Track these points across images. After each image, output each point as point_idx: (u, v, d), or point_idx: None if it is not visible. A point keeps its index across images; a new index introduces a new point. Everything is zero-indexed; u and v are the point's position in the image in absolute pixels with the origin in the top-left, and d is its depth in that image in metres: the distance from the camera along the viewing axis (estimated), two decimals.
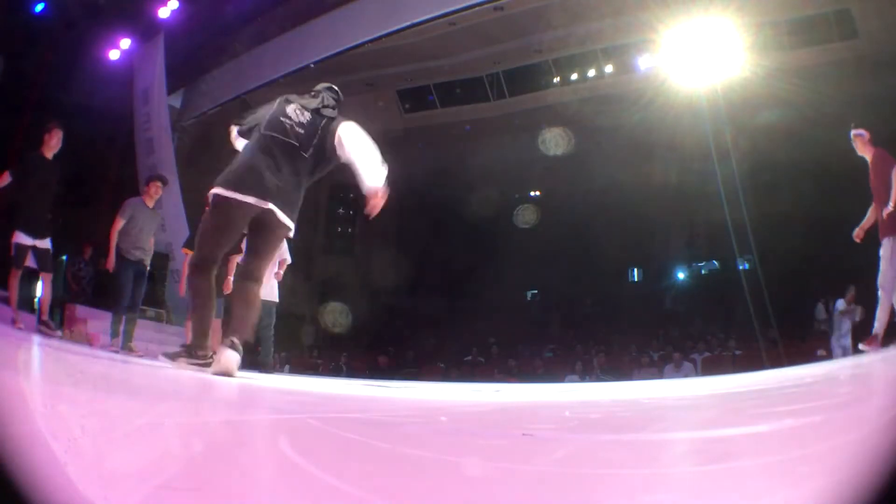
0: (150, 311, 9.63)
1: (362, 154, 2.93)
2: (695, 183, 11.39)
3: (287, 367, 10.69)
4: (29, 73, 10.44)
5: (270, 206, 2.86)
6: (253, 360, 5.90)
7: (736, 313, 10.04)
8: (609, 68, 11.95)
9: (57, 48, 10.71)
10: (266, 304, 5.32)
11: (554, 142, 13.00)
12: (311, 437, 1.26)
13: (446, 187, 13.84)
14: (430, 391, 3.70)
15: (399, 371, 11.75)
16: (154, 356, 5.28)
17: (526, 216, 15.68)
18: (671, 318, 13.17)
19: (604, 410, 2.29)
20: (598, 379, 9.47)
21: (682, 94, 9.71)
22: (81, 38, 10.97)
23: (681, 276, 15.11)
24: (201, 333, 2.99)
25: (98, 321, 7.23)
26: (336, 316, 13.55)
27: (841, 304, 7.76)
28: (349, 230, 17.22)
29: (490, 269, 15.02)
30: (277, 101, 3.11)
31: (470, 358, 12.06)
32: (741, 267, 11.04)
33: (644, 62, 11.44)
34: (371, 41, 10.07)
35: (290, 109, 3.03)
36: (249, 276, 3.00)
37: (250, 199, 2.84)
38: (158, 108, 11.58)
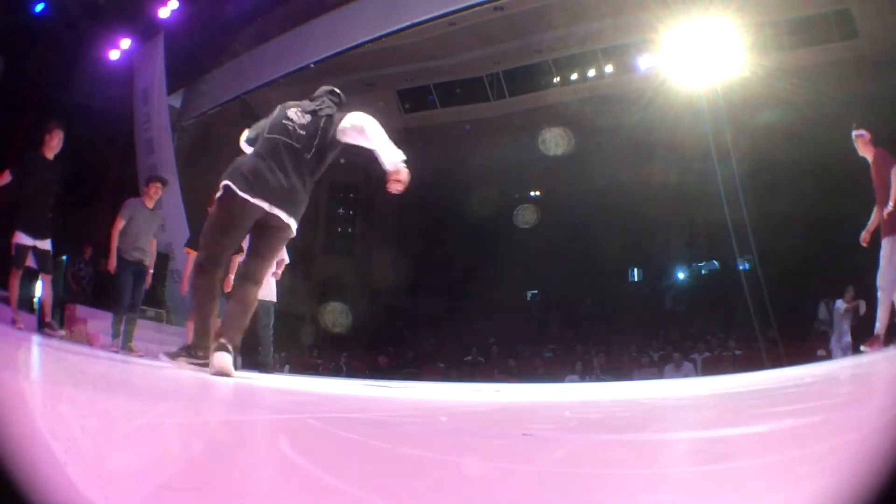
0: (150, 311, 9.63)
1: (378, 135, 2.95)
2: (695, 183, 11.39)
3: (287, 367, 10.69)
4: (29, 73, 10.43)
5: (278, 212, 2.89)
6: (253, 360, 5.91)
7: (736, 313, 10.04)
8: (609, 68, 11.95)
9: (57, 48, 10.70)
10: (264, 304, 5.32)
11: (554, 142, 13.00)
12: (311, 437, 1.26)
13: (446, 187, 13.83)
14: (430, 391, 3.69)
15: (399, 371, 11.75)
16: (154, 356, 5.29)
17: (526, 216, 15.68)
18: (671, 318, 13.17)
19: (604, 410, 2.29)
20: (598, 379, 9.47)
21: (682, 94, 9.71)
22: (81, 38, 10.96)
23: (681, 276, 15.10)
24: (203, 333, 2.99)
25: (98, 321, 7.24)
26: (336, 316, 13.55)
27: (840, 304, 7.75)
28: (349, 230, 17.22)
29: (490, 269, 15.03)
30: (279, 107, 3.16)
31: (470, 358, 12.06)
32: (741, 267, 11.04)
33: (644, 62, 11.44)
34: (371, 41, 10.07)
35: (292, 112, 3.08)
36: (249, 276, 3.01)
37: (259, 202, 2.87)
38: (158, 108, 11.58)
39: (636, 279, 15.93)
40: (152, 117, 11.64)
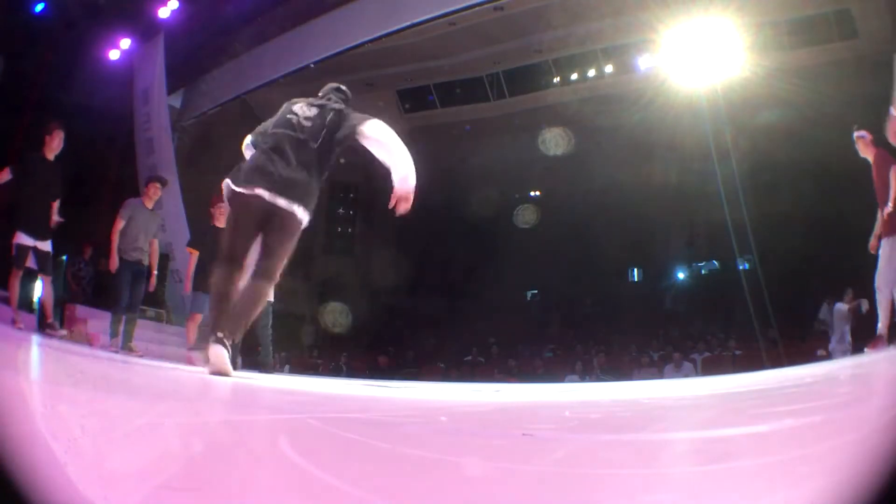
0: (150, 311, 9.63)
1: (400, 152, 2.96)
2: (695, 183, 11.40)
3: (287, 367, 10.69)
4: (29, 73, 10.42)
5: (280, 201, 2.87)
6: (253, 360, 5.91)
7: (736, 313, 10.05)
8: (609, 68, 11.95)
9: (57, 48, 10.70)
10: None
11: (554, 142, 13.01)
12: (311, 437, 1.26)
13: (446, 187, 13.83)
14: (430, 391, 3.69)
15: (399, 371, 11.75)
16: (154, 356, 5.29)
17: (526, 216, 15.69)
18: (671, 318, 13.18)
19: (604, 410, 2.29)
20: (598, 379, 9.47)
21: (682, 94, 9.72)
22: (81, 38, 10.96)
23: (681, 276, 15.11)
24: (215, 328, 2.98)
25: (98, 321, 7.24)
26: (336, 316, 13.55)
27: (840, 306, 7.74)
28: (349, 230, 17.22)
29: (490, 269, 15.03)
30: (284, 105, 3.18)
31: (470, 358, 12.06)
32: (741, 267, 11.05)
33: (644, 62, 11.44)
34: (371, 41, 10.07)
35: (297, 107, 3.10)
36: (261, 273, 2.98)
37: (258, 192, 2.86)
38: (158, 108, 11.57)
39: (636, 279, 15.94)
40: (152, 117, 11.63)
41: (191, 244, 6.07)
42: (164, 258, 9.98)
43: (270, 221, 2.93)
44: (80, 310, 7.98)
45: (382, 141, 2.98)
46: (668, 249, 15.12)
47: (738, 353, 9.46)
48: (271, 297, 5.65)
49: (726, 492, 0.79)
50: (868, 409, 1.55)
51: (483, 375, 10.83)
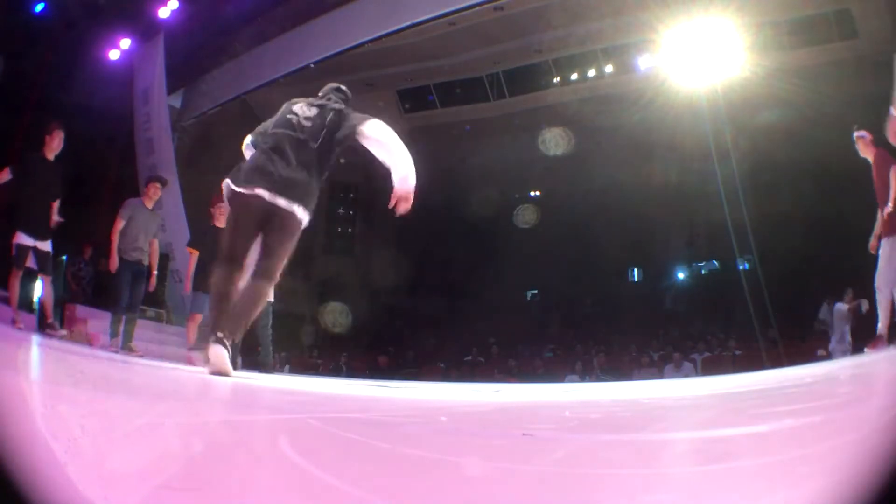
0: (150, 311, 9.63)
1: (400, 153, 2.96)
2: (695, 183, 11.40)
3: (287, 367, 10.69)
4: (29, 73, 10.42)
5: (280, 201, 2.86)
6: (253, 360, 5.91)
7: (736, 313, 10.05)
8: (609, 68, 11.95)
9: (57, 48, 10.70)
10: None
11: (554, 142, 13.01)
12: (311, 437, 1.26)
13: (446, 187, 13.84)
14: (430, 391, 3.69)
15: (399, 371, 11.75)
16: (154, 356, 5.29)
17: (526, 216, 15.69)
18: (671, 318, 13.18)
19: (604, 410, 2.29)
20: (598, 379, 9.47)
21: (682, 94, 9.72)
22: (81, 38, 10.96)
23: (681, 276, 15.12)
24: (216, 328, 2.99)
25: (98, 321, 7.24)
26: (336, 316, 13.55)
27: (840, 306, 7.74)
28: (349, 230, 17.22)
29: (490, 269, 15.03)
30: (284, 105, 3.18)
31: (470, 358, 12.06)
32: (741, 267, 11.05)
33: (644, 62, 11.45)
34: (371, 41, 10.07)
35: (297, 107, 3.10)
36: (261, 273, 2.96)
37: (258, 192, 2.86)
38: (158, 108, 11.57)
39: (636, 279, 15.95)
40: (152, 117, 11.63)
41: (191, 244, 6.07)
42: (164, 258, 9.98)
43: (270, 221, 2.92)
44: (80, 310, 7.98)
45: (382, 141, 2.98)
46: (668, 249, 15.13)
47: (738, 353, 9.46)
48: (271, 297, 5.66)
49: (726, 492, 0.79)
50: (868, 409, 1.55)
51: (483, 375, 10.83)
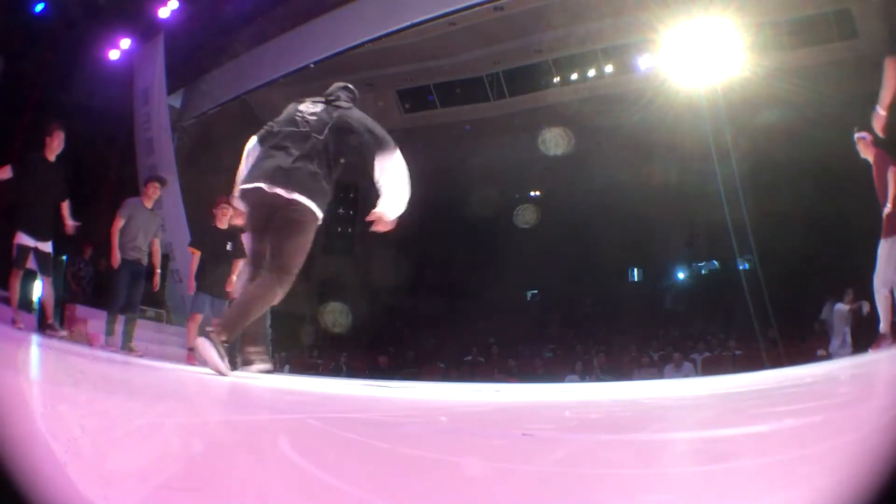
0: (150, 311, 9.63)
1: (401, 186, 2.98)
2: (695, 183, 11.40)
3: (287, 367, 10.68)
4: (29, 73, 10.42)
5: (279, 190, 2.86)
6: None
7: (736, 313, 10.04)
8: (609, 68, 11.95)
9: (57, 48, 10.70)
10: None
11: (554, 142, 13.00)
12: (311, 437, 1.26)
13: (446, 187, 13.84)
14: (430, 391, 3.69)
15: (399, 371, 11.74)
16: (154, 356, 5.29)
17: (526, 216, 15.69)
18: (671, 318, 13.18)
19: (604, 410, 2.29)
20: (598, 379, 9.47)
21: (682, 94, 9.71)
22: (81, 38, 10.96)
23: (681, 276, 15.12)
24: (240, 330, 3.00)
25: (98, 321, 7.22)
26: (336, 316, 13.55)
27: (840, 307, 7.74)
28: (349, 230, 17.22)
29: (490, 269, 15.03)
30: (290, 105, 3.22)
31: (470, 358, 12.05)
32: (741, 267, 11.05)
33: (644, 62, 11.45)
34: (371, 41, 10.06)
35: (303, 106, 3.14)
36: (267, 272, 2.94)
37: (257, 185, 2.88)
38: (158, 108, 11.57)
39: (636, 279, 15.95)
40: (152, 117, 11.63)
41: (192, 244, 6.08)
42: (164, 258, 9.97)
43: (273, 217, 2.91)
44: (80, 310, 7.98)
45: (394, 176, 2.98)
46: (668, 249, 15.13)
47: (738, 353, 9.45)
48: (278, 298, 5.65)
49: (726, 492, 0.79)
50: (868, 409, 1.55)
51: (483, 375, 10.82)
